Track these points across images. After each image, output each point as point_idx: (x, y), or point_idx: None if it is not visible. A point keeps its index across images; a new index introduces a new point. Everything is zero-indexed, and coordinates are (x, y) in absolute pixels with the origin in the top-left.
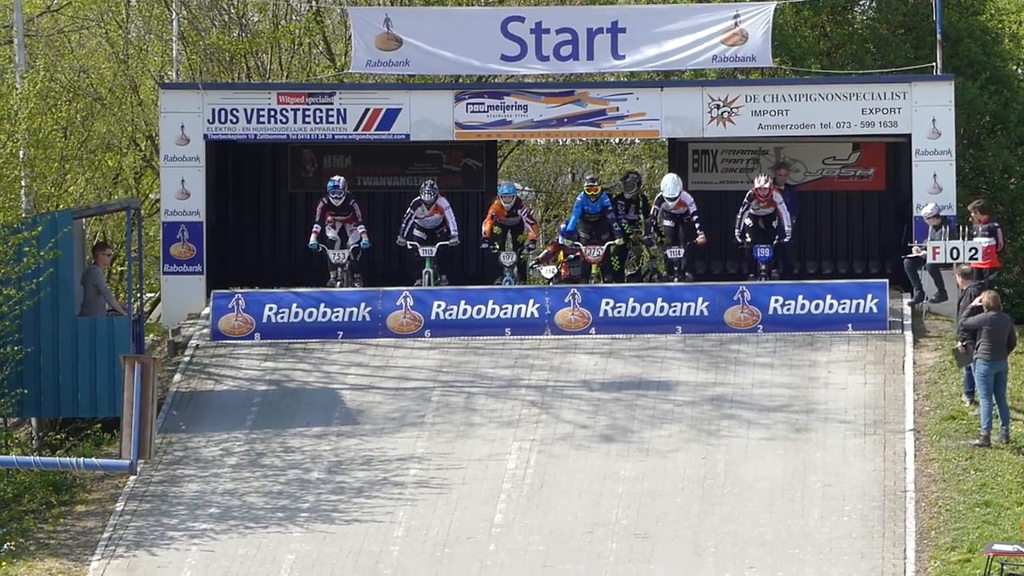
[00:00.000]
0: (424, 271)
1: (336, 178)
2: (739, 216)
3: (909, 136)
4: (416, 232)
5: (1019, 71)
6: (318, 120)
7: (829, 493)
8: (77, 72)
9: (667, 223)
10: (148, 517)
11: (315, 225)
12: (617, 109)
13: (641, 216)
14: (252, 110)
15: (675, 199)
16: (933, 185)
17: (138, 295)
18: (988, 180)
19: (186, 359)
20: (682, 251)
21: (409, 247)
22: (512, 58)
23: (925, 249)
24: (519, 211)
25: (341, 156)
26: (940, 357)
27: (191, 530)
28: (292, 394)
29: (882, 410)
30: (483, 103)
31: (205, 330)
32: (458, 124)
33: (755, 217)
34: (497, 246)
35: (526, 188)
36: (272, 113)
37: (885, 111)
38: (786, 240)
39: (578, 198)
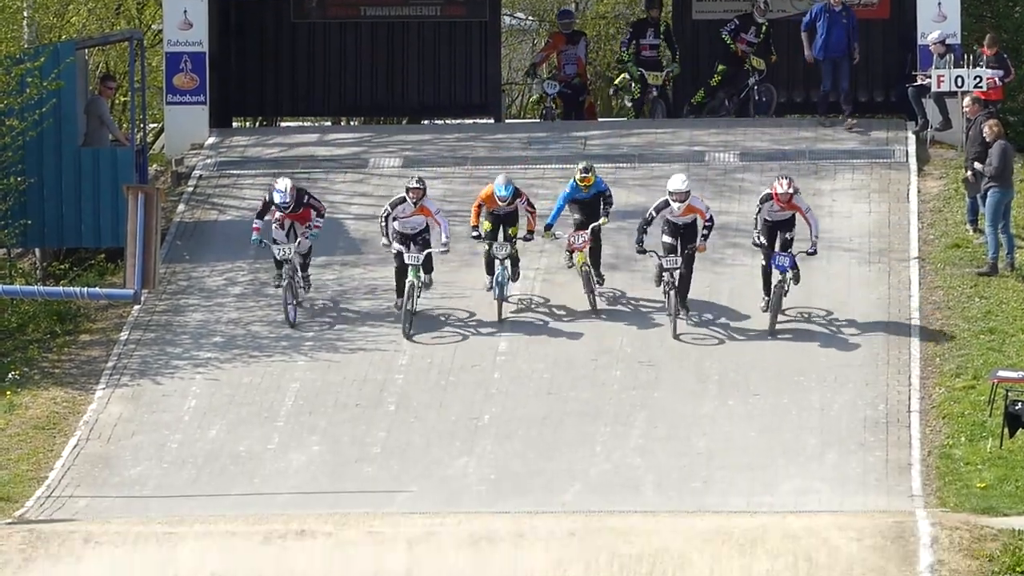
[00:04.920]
0: (408, 282)
1: (281, 187)
2: (756, 218)
3: None
4: (396, 239)
5: None
6: None
7: (833, 321)
8: None
9: (667, 239)
10: (152, 346)
11: (255, 220)
12: None
13: (663, 41)
14: None
15: (681, 194)
16: (938, 13)
17: (141, 126)
18: (992, 8)
19: (189, 189)
20: (680, 260)
21: (394, 251)
22: None
23: (930, 77)
24: (517, 200)
25: None
26: (944, 186)
27: (195, 359)
28: None
29: (887, 238)
30: None
31: (209, 160)
32: None
33: (769, 224)
34: (488, 243)
35: (530, 18)
36: None
37: None
38: (814, 251)
39: (567, 189)
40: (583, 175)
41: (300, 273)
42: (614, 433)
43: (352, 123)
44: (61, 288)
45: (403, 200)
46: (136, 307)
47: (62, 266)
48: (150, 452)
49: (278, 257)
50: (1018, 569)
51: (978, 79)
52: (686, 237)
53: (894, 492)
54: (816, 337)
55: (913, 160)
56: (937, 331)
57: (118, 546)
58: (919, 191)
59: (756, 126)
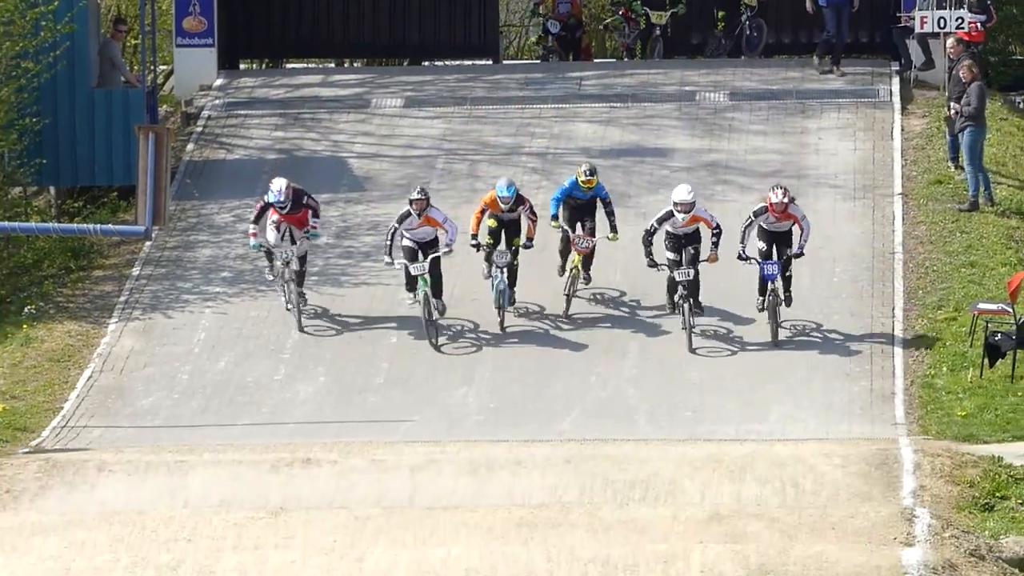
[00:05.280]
0: (420, 291)
1: (276, 186)
2: (744, 230)
3: None
4: (406, 242)
5: None
6: None
7: (820, 255)
8: None
9: (671, 256)
10: (163, 281)
11: (251, 226)
12: None
13: None
14: None
15: (687, 205)
16: None
17: (152, 68)
18: None
19: (199, 129)
20: (692, 272)
21: (397, 266)
22: None
23: (913, 18)
24: (520, 207)
25: None
26: (927, 124)
27: (205, 293)
28: (301, 162)
29: (871, 175)
30: None
31: (217, 101)
32: None
33: (768, 232)
34: (488, 249)
35: None
36: None
37: None
38: (800, 253)
39: (566, 184)
40: (587, 177)
41: (297, 279)
42: (608, 363)
43: (355, 65)
44: (75, 225)
45: (408, 214)
46: (147, 243)
47: (76, 204)
48: (161, 383)
49: (279, 260)
50: (997, 494)
51: (960, 20)
52: (689, 244)
53: (878, 420)
54: (803, 270)
55: (897, 99)
56: (920, 265)
57: (130, 474)
58: (902, 129)
59: (745, 66)
